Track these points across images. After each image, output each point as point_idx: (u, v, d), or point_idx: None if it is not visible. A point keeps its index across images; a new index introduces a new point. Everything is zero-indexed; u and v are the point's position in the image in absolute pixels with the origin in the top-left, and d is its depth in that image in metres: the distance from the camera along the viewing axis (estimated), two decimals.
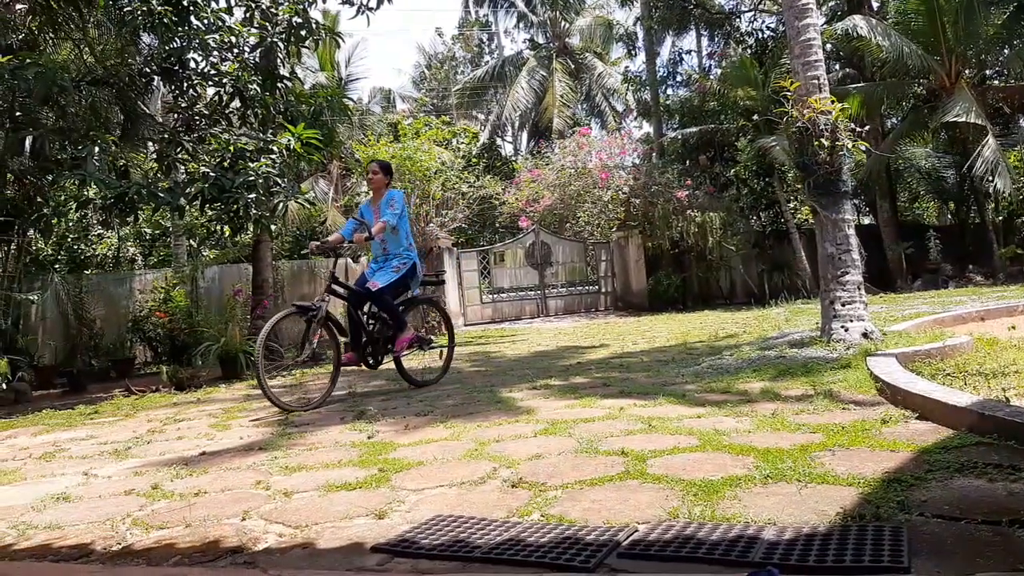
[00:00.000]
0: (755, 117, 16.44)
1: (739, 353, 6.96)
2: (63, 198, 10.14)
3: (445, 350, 7.19)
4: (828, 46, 17.47)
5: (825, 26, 16.97)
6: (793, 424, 3.84)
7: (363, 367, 6.53)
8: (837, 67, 20.25)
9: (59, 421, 6.52)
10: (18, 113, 8.47)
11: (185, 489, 3.48)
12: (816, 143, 6.81)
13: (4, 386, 8.02)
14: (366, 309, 6.45)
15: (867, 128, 8.20)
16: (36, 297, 10.10)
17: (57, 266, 13.71)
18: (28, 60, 7.77)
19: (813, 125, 6.83)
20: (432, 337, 7.44)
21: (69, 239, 14.90)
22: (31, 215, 9.16)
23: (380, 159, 7.97)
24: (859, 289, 6.79)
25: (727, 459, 3.25)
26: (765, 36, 20.32)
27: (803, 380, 5.17)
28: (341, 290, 6.40)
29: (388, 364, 6.65)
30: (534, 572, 2.17)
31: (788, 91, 7.22)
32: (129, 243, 17.27)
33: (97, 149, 8.00)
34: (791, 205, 16.97)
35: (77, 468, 4.24)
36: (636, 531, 2.42)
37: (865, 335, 6.46)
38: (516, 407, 5.12)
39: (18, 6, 9.41)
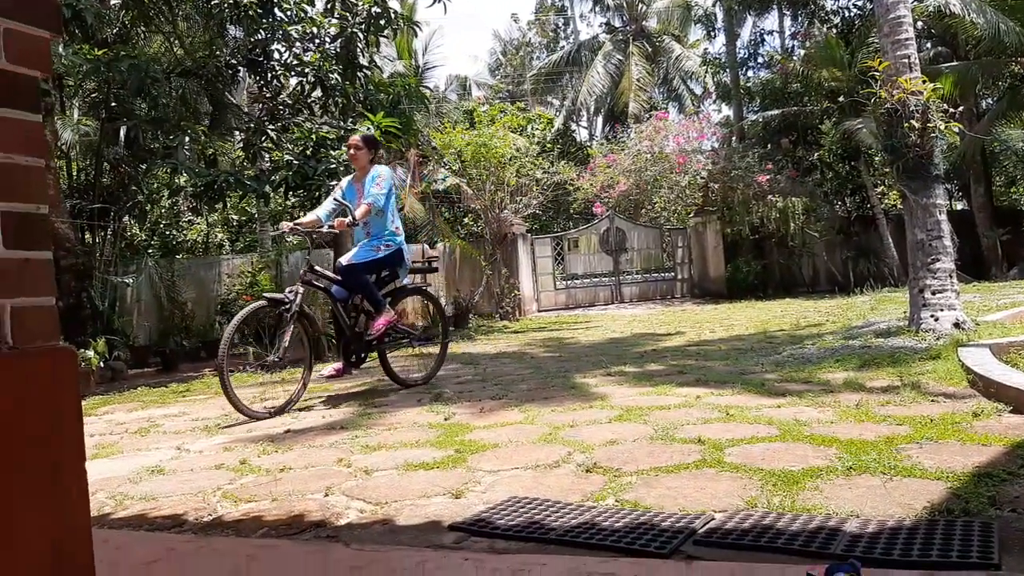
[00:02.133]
0: (840, 99, 15.87)
1: (822, 342, 6.79)
2: (155, 186, 10.59)
3: (439, 346, 6.58)
4: (919, 24, 16.65)
5: (916, 3, 16.21)
6: (878, 415, 3.74)
7: (351, 373, 6.01)
8: (928, 46, 19.32)
9: (153, 398, 6.85)
10: (113, 104, 8.89)
11: (271, 465, 3.62)
12: (906, 125, 6.55)
13: (102, 364, 8.45)
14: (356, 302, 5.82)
15: (960, 109, 7.81)
16: (131, 280, 10.61)
17: (151, 251, 14.34)
18: (122, 53, 8.13)
19: (903, 106, 6.58)
20: (421, 331, 6.68)
21: (161, 225, 15.56)
22: (126, 202, 9.62)
23: (364, 132, 6.67)
24: (950, 277, 6.53)
25: (808, 450, 3.18)
26: (852, 14, 19.53)
27: (889, 371, 5.01)
28: (319, 281, 5.65)
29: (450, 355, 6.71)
30: (609, 556, 2.18)
31: (876, 71, 6.96)
32: (217, 229, 17.91)
33: (187, 139, 8.35)
34: (878, 190, 16.34)
35: (170, 443, 4.46)
36: (713, 519, 2.41)
37: (956, 325, 6.21)
38: (590, 393, 5.13)
39: (112, 1, 9.84)
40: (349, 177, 6.06)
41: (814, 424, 3.65)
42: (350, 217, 5.46)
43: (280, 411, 5.13)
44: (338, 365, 5.79)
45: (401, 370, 6.29)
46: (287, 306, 5.22)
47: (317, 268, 5.57)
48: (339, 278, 5.66)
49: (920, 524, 2.22)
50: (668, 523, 2.38)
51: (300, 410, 5.34)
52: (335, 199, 5.77)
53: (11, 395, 1.35)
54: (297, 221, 5.78)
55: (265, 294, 5.54)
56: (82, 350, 7.91)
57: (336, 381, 6.12)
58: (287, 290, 5.35)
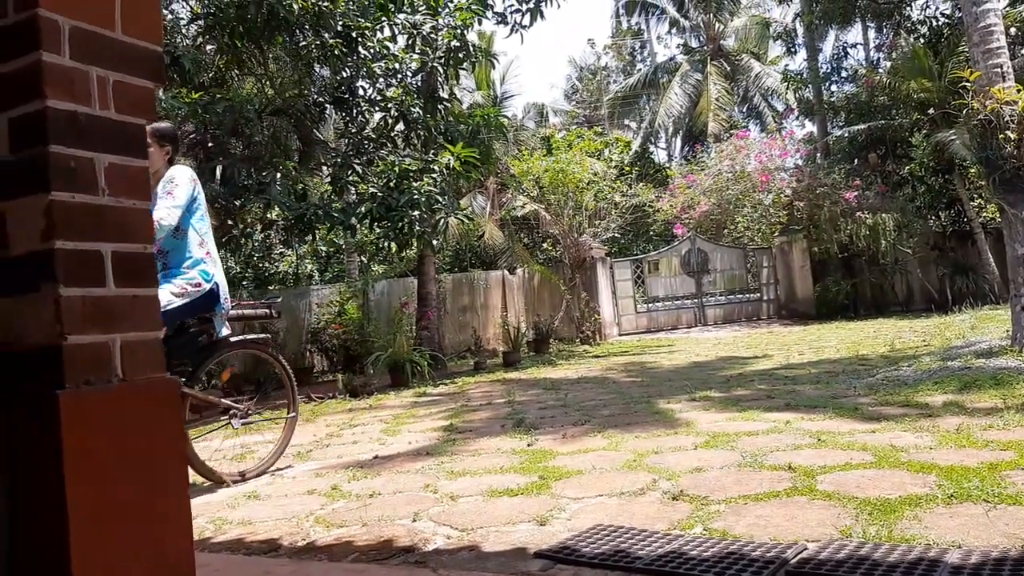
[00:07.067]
0: (930, 110, 15.30)
1: (918, 364, 6.51)
2: (249, 220, 11.05)
3: (285, 424, 4.81)
4: (1012, 30, 15.93)
5: (1008, 9, 15.53)
6: (980, 440, 3.56)
7: None
8: (1023, 52, 18.48)
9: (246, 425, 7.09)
10: (210, 144, 9.34)
11: (361, 490, 3.71)
12: (1001, 136, 6.29)
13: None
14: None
15: None
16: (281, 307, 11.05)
17: (245, 283, 14.91)
18: (218, 96, 8.58)
19: (997, 117, 6.32)
20: (239, 404, 4.69)
21: (255, 258, 16.17)
22: (222, 236, 10.06)
23: (157, 123, 4.11)
24: None
25: (905, 477, 3.06)
26: (940, 23, 18.88)
27: (992, 393, 4.77)
28: None
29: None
30: None
31: (967, 81, 6.72)
32: (307, 260, 18.52)
33: (279, 175, 8.69)
34: (975, 203, 15.62)
35: None
36: (805, 549, 2.34)
37: None
38: (674, 419, 5.05)
39: (208, 47, 10.39)
40: None
41: (911, 450, 3.50)
42: None
43: None
44: None
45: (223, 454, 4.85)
46: None
47: None
48: None
49: None
50: (758, 553, 2.32)
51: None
52: None
53: (121, 424, 1.44)
54: None
55: None
56: (182, 379, 8.24)
57: None
58: None
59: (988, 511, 2.53)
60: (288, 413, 4.82)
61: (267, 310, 5.14)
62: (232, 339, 4.47)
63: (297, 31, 9.23)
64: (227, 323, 4.29)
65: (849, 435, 3.98)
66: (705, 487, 3.19)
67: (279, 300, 5.75)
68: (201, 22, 9.55)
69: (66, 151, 1.42)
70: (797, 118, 27.79)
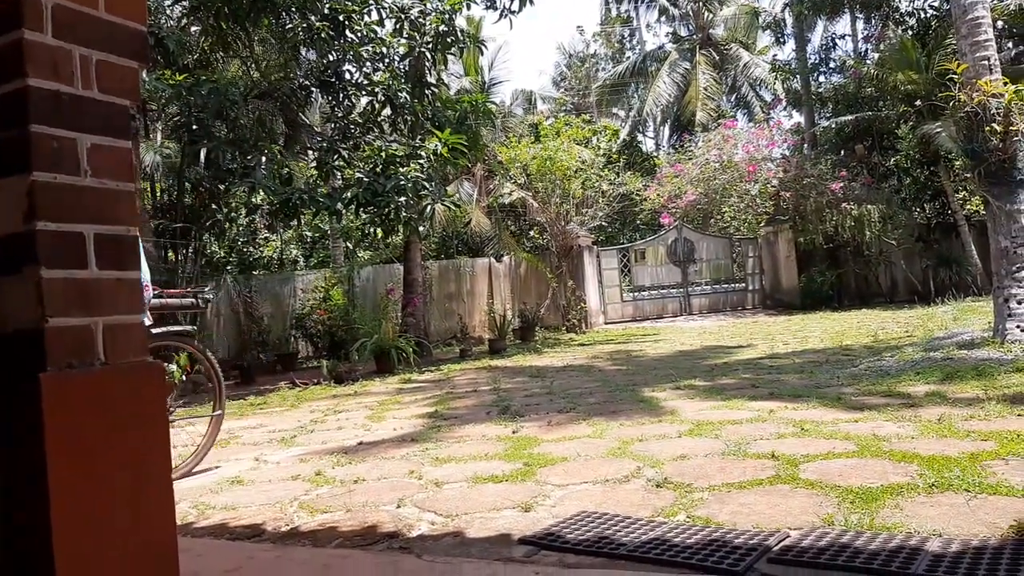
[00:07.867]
0: (917, 102, 15.35)
1: (901, 355, 6.57)
2: (234, 204, 10.97)
3: (209, 421, 4.58)
4: (999, 23, 15.99)
5: (995, 2, 15.58)
6: (962, 431, 3.60)
7: None
8: (1010, 45, 18.51)
9: (231, 410, 7.06)
10: (194, 127, 9.26)
11: (345, 476, 3.70)
12: (987, 129, 6.33)
13: (184, 377, 8.76)
14: None
15: None
16: (211, 296, 10.97)
17: (229, 268, 14.82)
18: (203, 78, 8.48)
19: (983, 109, 6.36)
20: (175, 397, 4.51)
21: (239, 243, 16.07)
22: (206, 221, 9.99)
23: None
24: None
25: (887, 466, 3.09)
26: (928, 16, 18.93)
27: (974, 383, 4.82)
28: None
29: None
30: (680, 573, 2.16)
31: (954, 74, 6.74)
32: (292, 246, 18.42)
33: (264, 158, 8.62)
34: (959, 195, 15.72)
35: (249, 454, 4.61)
36: (787, 537, 2.36)
37: None
38: (659, 407, 5.08)
39: (193, 28, 10.28)
40: None
41: (893, 439, 3.54)
42: None
43: None
44: None
45: None
46: None
47: None
48: None
49: (1006, 544, 2.14)
50: (741, 540, 2.34)
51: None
52: None
53: (104, 408, 1.43)
54: None
55: None
56: (165, 364, 8.20)
57: None
58: None
59: (969, 500, 2.56)
60: (213, 411, 4.59)
61: (193, 300, 4.80)
62: (154, 331, 4.22)
63: (283, 13, 9.14)
64: (149, 313, 4.07)
65: (832, 424, 4.01)
66: (689, 475, 3.21)
67: (208, 289, 5.32)
68: (186, 3, 9.44)
69: (48, 131, 1.40)
70: (785, 108, 27.83)
